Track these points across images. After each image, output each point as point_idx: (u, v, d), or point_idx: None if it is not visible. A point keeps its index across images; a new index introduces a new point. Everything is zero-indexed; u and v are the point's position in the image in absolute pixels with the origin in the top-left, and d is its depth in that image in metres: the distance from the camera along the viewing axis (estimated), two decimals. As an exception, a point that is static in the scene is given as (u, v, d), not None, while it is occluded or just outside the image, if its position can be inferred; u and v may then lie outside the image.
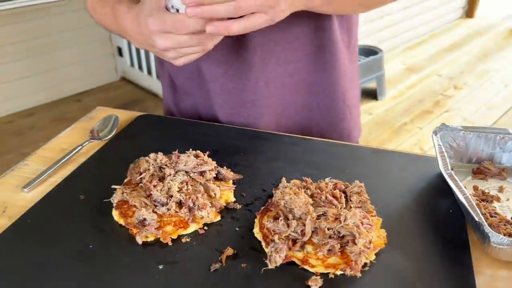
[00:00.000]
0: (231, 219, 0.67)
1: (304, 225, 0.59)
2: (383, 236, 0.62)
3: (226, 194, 0.70)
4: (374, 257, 0.58)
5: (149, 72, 3.52)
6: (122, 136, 0.89)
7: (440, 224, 0.65)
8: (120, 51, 3.69)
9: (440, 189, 0.72)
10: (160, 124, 0.95)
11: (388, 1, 0.84)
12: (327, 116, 0.96)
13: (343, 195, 0.64)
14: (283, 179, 0.69)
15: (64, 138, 0.90)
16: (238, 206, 0.69)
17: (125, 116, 0.96)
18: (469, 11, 5.25)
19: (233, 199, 0.70)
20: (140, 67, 3.60)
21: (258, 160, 0.81)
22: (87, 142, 0.86)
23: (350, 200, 0.64)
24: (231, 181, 0.74)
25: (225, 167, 0.75)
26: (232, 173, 0.74)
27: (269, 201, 0.68)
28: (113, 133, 0.89)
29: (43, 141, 0.90)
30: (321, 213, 0.60)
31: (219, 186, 0.70)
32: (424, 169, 0.77)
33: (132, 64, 3.67)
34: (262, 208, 0.67)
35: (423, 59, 4.30)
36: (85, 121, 0.96)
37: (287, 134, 0.90)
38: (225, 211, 0.68)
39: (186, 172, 0.70)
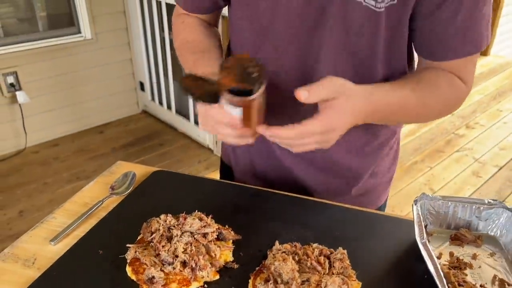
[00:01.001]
0: (229, 278, 0.76)
1: (290, 289, 0.68)
2: (362, 300, 0.70)
3: (225, 254, 0.79)
4: (351, 321, 0.66)
5: (169, 107, 3.68)
6: (138, 192, 1.00)
7: (415, 289, 0.73)
8: (142, 86, 3.88)
9: (418, 254, 0.80)
10: (172, 180, 1.05)
11: (443, 115, 0.87)
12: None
13: (327, 261, 0.73)
14: (277, 243, 0.78)
15: (87, 192, 1.01)
16: (236, 266, 0.78)
17: (142, 170, 1.07)
18: (484, 50, 5.31)
19: (232, 259, 0.79)
20: (160, 102, 3.78)
21: (257, 219, 0.90)
22: (107, 197, 0.97)
23: (333, 266, 0.72)
24: (230, 241, 0.83)
25: (226, 226, 0.85)
26: (232, 233, 0.84)
27: (263, 263, 0.77)
28: (130, 189, 1.00)
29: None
30: (305, 279, 0.68)
31: (219, 247, 0.79)
32: (406, 233, 0.85)
33: (153, 99, 3.85)
34: (257, 269, 0.76)
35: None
36: (106, 175, 1.07)
37: (286, 193, 0.99)
38: (224, 270, 0.77)
39: (191, 232, 0.80)
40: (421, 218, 0.80)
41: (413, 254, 0.81)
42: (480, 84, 4.60)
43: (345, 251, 0.75)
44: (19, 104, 3.28)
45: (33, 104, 3.37)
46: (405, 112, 0.82)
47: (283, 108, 0.85)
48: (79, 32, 3.45)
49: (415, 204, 0.83)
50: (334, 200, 0.98)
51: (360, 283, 0.72)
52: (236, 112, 0.65)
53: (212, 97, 0.67)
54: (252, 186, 1.03)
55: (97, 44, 3.53)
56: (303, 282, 0.68)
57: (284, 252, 0.75)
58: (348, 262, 0.73)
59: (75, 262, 0.80)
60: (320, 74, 0.80)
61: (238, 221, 0.89)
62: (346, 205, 0.96)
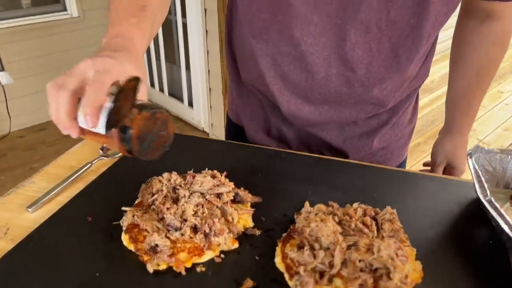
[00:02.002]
0: (250, 247, 0.61)
1: (333, 256, 0.53)
2: (419, 269, 0.56)
3: (244, 219, 0.65)
4: (411, 293, 0.52)
5: (161, 89, 3.51)
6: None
7: (481, 257, 0.59)
8: (132, 68, 3.69)
9: (476, 216, 0.66)
10: (175, 141, 0.90)
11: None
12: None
13: (373, 222, 0.59)
14: (306, 204, 0.64)
15: (73, 154, 0.86)
16: (257, 232, 0.63)
17: (137, 132, 0.92)
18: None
19: (252, 224, 0.65)
20: (152, 84, 3.60)
21: (278, 181, 0.75)
22: (97, 160, 0.81)
23: (382, 228, 0.58)
24: (249, 204, 0.68)
25: (242, 189, 0.70)
26: (250, 195, 0.69)
27: (291, 228, 0.62)
28: (124, 151, 0.84)
29: (54, 156, 0.86)
30: (351, 243, 0.54)
31: (237, 210, 0.65)
32: (457, 194, 0.72)
33: (144, 81, 3.67)
34: (284, 235, 0.61)
35: (435, 80, 4.25)
36: (95, 137, 0.92)
37: (308, 154, 0.85)
38: (243, 237, 0.63)
39: (202, 193, 0.65)
40: (479, 173, 0.66)
41: (469, 217, 0.67)
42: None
43: (395, 211, 0.61)
44: (2, 86, 3.08)
45: (17, 85, 3.17)
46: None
47: (313, 89, 0.81)
48: (65, 9, 3.24)
49: (470, 158, 0.69)
50: (355, 157, 0.90)
51: (415, 250, 0.58)
52: (98, 130, 0.54)
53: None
54: (269, 147, 0.89)
55: (84, 23, 3.33)
56: (348, 247, 0.54)
57: (318, 214, 0.60)
58: (399, 223, 0.59)
59: (58, 232, 0.64)
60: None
61: (256, 183, 0.74)
62: (380, 165, 0.82)
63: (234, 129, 1.05)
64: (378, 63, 0.77)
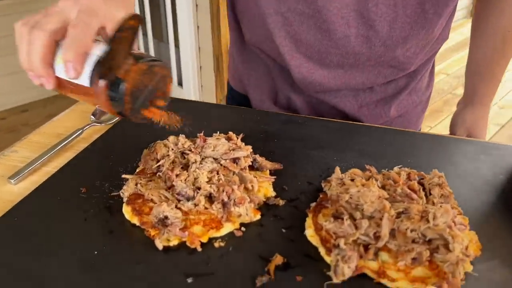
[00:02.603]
0: (274, 218, 0.52)
1: (378, 225, 0.45)
2: (475, 240, 0.48)
3: (264, 187, 0.56)
4: (471, 267, 0.44)
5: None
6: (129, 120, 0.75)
7: (540, 226, 0.51)
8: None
9: (526, 182, 0.59)
10: (176, 105, 0.80)
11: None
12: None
13: (420, 188, 0.50)
14: (337, 169, 0.55)
15: (60, 121, 0.76)
16: (281, 202, 0.54)
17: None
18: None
19: (273, 193, 0.56)
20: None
21: (297, 147, 0.67)
22: (88, 126, 0.71)
23: (431, 194, 0.50)
24: (268, 172, 0.60)
25: (258, 155, 0.61)
26: (269, 162, 0.60)
27: (321, 196, 0.54)
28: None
29: None
30: (400, 210, 0.45)
31: (256, 177, 0.56)
32: (499, 159, 0.64)
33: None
34: (314, 204, 0.53)
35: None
36: (85, 104, 0.81)
37: (327, 118, 0.76)
38: (265, 208, 0.54)
39: (215, 159, 0.56)
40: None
41: (517, 183, 0.59)
42: (473, 46, 4.45)
43: (443, 174, 0.52)
44: (-20, 65, 2.92)
45: (-4, 64, 3.00)
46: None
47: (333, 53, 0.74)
48: (45, -17, 3.06)
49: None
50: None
51: (467, 218, 0.50)
52: (81, 82, 0.45)
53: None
54: (282, 112, 0.80)
55: (67, -2, 3.15)
56: (398, 215, 0.45)
57: (355, 180, 0.52)
58: (449, 188, 0.51)
59: (46, 205, 0.55)
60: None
61: (272, 149, 0.66)
62: (410, 130, 0.74)
63: (236, 98, 0.95)
64: (403, 19, 0.69)
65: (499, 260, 0.46)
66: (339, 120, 0.76)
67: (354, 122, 0.75)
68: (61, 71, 0.45)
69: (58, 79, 0.46)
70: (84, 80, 0.44)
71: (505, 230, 0.51)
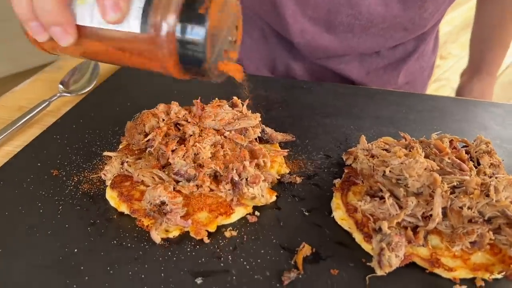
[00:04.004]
0: (292, 199, 0.44)
1: (428, 204, 0.37)
2: (533, 216, 0.41)
3: (277, 163, 0.47)
4: (538, 250, 0.37)
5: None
6: (106, 89, 0.63)
7: None
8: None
9: None
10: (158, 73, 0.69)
11: None
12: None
13: (468, 157, 0.42)
14: (363, 138, 0.47)
15: (23, 92, 0.64)
16: (298, 179, 0.46)
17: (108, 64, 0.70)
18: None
19: (287, 170, 0.47)
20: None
21: (307, 116, 0.58)
22: (56, 97, 0.60)
23: (479, 164, 0.42)
24: (278, 145, 0.50)
25: (266, 126, 0.52)
26: (280, 133, 0.51)
27: (346, 171, 0.45)
28: (93, 85, 0.63)
29: None
30: (454, 183, 0.37)
31: (267, 151, 0.46)
32: (531, 123, 0.57)
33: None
34: (339, 181, 0.44)
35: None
36: (51, 71, 0.69)
37: (336, 83, 0.67)
38: (279, 187, 0.45)
39: (217, 130, 0.46)
40: None
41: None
42: (447, 16, 4.45)
43: (490, 140, 0.45)
44: None
45: None
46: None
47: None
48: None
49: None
50: None
51: (520, 191, 0.43)
52: (123, 27, 0.31)
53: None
54: (284, 78, 0.70)
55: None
56: (452, 190, 0.37)
57: (386, 150, 0.43)
58: (498, 157, 0.43)
59: (8, 193, 0.44)
60: None
61: (279, 118, 0.56)
62: (427, 93, 0.66)
63: None
64: None
65: (562, 239, 0.39)
66: (348, 85, 0.67)
67: (365, 86, 0.67)
68: (86, 15, 0.31)
69: (79, 30, 0.32)
70: (131, 23, 0.30)
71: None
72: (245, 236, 0.39)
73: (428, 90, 2.99)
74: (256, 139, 0.48)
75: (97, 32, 0.32)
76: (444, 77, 3.34)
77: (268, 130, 0.50)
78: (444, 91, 3.13)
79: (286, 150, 0.49)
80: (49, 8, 0.30)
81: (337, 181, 0.44)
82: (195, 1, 0.29)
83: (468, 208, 0.36)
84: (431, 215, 0.36)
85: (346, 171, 0.45)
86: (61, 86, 0.62)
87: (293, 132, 0.53)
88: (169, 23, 0.29)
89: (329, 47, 0.69)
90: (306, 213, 0.42)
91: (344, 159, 0.48)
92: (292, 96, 0.62)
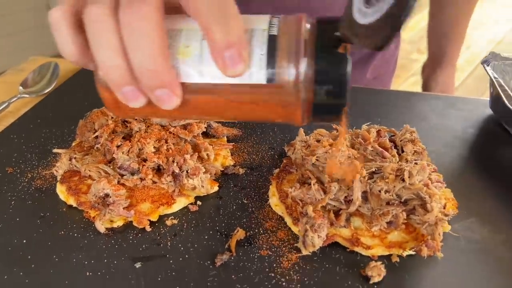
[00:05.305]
0: (234, 189, 0.47)
1: (350, 189, 0.40)
2: (451, 198, 0.44)
3: (222, 156, 0.50)
4: (449, 228, 0.41)
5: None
6: (66, 90, 0.66)
7: (514, 178, 0.49)
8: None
9: (496, 134, 0.56)
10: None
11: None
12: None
13: (392, 145, 0.46)
14: (301, 131, 0.50)
15: (-18, 95, 0.65)
16: (241, 171, 0.49)
17: (69, 65, 0.72)
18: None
19: (232, 162, 0.50)
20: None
21: (256, 111, 0.61)
22: (15, 98, 0.62)
23: (403, 152, 0.46)
24: (225, 139, 0.53)
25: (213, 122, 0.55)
26: (226, 127, 0.54)
27: (284, 161, 0.48)
28: (52, 86, 0.65)
29: None
30: (373, 170, 0.41)
31: (212, 145, 0.49)
32: (468, 112, 0.61)
33: (76, 34, 3.29)
34: (277, 170, 0.47)
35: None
36: (12, 73, 0.71)
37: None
38: (223, 178, 0.48)
39: (163, 126, 0.49)
40: (501, 82, 0.55)
41: (488, 136, 0.56)
42: (424, 10, 4.52)
43: (415, 129, 0.48)
44: None
45: None
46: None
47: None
48: None
49: (487, 65, 0.57)
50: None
51: (441, 176, 0.47)
52: (244, 80, 0.26)
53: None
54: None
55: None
56: (371, 176, 0.41)
57: (321, 140, 0.47)
58: (422, 144, 0.47)
59: (-36, 190, 0.46)
60: None
61: (229, 114, 0.59)
62: (377, 88, 0.70)
63: None
64: None
65: (476, 218, 0.43)
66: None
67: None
68: (192, 71, 0.26)
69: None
70: (253, 73, 0.25)
71: (478, 185, 0.48)
72: (185, 224, 0.42)
73: (405, 84, 3.05)
74: (203, 133, 0.51)
75: (204, 88, 0.26)
76: (422, 71, 3.42)
77: (215, 125, 0.53)
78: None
79: (231, 144, 0.52)
80: (153, 67, 0.25)
81: (276, 171, 0.48)
82: (331, 41, 0.25)
83: (386, 191, 0.40)
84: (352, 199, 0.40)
85: (284, 161, 0.48)
86: (21, 88, 0.64)
87: (241, 127, 0.56)
88: (302, 68, 0.25)
89: None
90: (245, 201, 0.45)
91: (286, 151, 0.51)
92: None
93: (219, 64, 0.25)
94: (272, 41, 0.25)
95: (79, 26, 0.26)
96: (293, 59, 0.25)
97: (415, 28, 4.22)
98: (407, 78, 3.29)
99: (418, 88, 1.00)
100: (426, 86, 0.96)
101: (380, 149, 0.43)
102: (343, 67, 0.25)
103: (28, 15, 3.16)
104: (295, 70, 0.25)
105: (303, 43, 0.25)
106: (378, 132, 0.47)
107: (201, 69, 0.26)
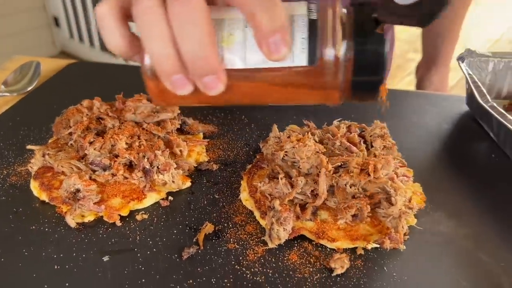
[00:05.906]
0: (207, 184, 0.47)
1: (316, 182, 0.41)
2: (420, 192, 0.45)
3: (196, 152, 0.50)
4: (415, 221, 0.42)
5: (92, 43, 3.17)
6: (47, 88, 0.66)
7: (485, 174, 0.49)
8: (56, 22, 3.29)
9: (470, 131, 0.57)
10: (98, 72, 0.72)
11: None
12: None
13: (361, 140, 0.46)
14: (274, 127, 0.50)
15: (-36, 94, 0.66)
16: (215, 167, 0.49)
17: (51, 65, 0.73)
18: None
19: (206, 158, 0.51)
20: (80, 39, 3.24)
21: (232, 109, 0.61)
22: (-4, 97, 0.63)
23: (372, 146, 0.46)
24: (201, 135, 0.54)
25: (191, 119, 0.55)
26: (201, 124, 0.54)
27: (257, 157, 0.49)
28: (34, 85, 0.66)
29: None
30: (339, 164, 0.41)
31: (186, 141, 0.50)
32: (443, 109, 0.62)
33: (71, 36, 3.30)
34: (250, 166, 0.48)
35: (381, 25, 4.22)
36: (-4, 72, 0.72)
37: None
38: (197, 174, 0.49)
39: (137, 123, 0.50)
40: (475, 78, 0.55)
41: (462, 131, 0.57)
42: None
43: (385, 124, 0.49)
44: None
45: None
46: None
47: None
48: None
49: (462, 62, 0.58)
50: None
51: (412, 170, 0.47)
52: (285, 63, 0.27)
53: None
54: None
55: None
56: (336, 170, 0.41)
57: (291, 136, 0.47)
58: (391, 140, 0.47)
59: None
60: None
61: (204, 111, 0.60)
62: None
63: None
64: None
65: (444, 212, 0.44)
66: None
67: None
68: (236, 58, 0.27)
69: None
70: (296, 56, 0.27)
71: (449, 181, 0.48)
72: (155, 219, 0.43)
73: (402, 83, 3.06)
74: (178, 130, 0.52)
75: (247, 73, 0.28)
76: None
77: (190, 121, 0.53)
78: (417, 84, 3.20)
79: (206, 140, 0.52)
80: (203, 54, 0.26)
81: (249, 167, 0.48)
82: (368, 22, 0.27)
83: (352, 185, 0.40)
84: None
85: (257, 157, 0.49)
86: (2, 86, 0.64)
87: (217, 123, 0.57)
88: (341, 49, 0.27)
89: None
90: (217, 196, 0.46)
91: (261, 147, 0.51)
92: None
93: (264, 49, 0.26)
94: (312, 25, 0.27)
95: (125, 20, 0.28)
96: (332, 40, 0.26)
97: (411, 27, 4.23)
98: (403, 78, 3.30)
99: (413, 88, 1.01)
100: (420, 86, 0.97)
101: (348, 144, 0.44)
102: (381, 46, 0.26)
103: (25, 15, 3.16)
104: (335, 51, 0.27)
105: (341, 25, 0.27)
106: (349, 127, 0.48)
107: (244, 55, 0.27)
